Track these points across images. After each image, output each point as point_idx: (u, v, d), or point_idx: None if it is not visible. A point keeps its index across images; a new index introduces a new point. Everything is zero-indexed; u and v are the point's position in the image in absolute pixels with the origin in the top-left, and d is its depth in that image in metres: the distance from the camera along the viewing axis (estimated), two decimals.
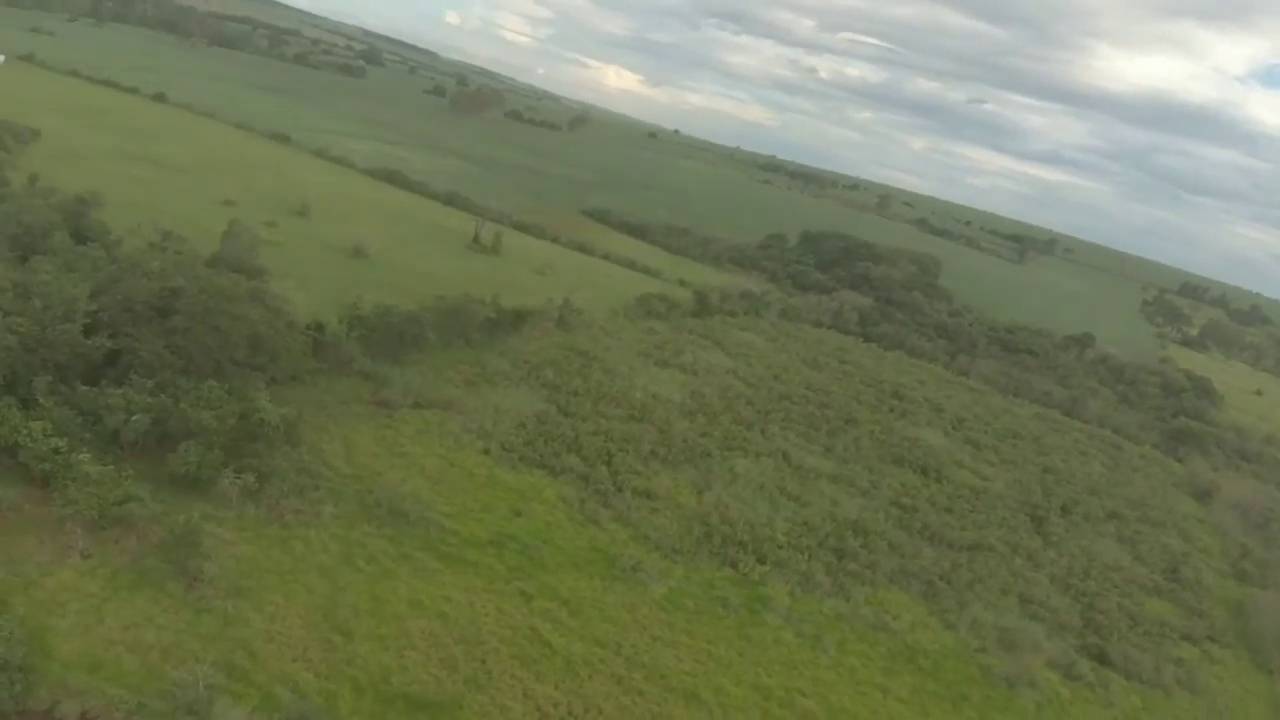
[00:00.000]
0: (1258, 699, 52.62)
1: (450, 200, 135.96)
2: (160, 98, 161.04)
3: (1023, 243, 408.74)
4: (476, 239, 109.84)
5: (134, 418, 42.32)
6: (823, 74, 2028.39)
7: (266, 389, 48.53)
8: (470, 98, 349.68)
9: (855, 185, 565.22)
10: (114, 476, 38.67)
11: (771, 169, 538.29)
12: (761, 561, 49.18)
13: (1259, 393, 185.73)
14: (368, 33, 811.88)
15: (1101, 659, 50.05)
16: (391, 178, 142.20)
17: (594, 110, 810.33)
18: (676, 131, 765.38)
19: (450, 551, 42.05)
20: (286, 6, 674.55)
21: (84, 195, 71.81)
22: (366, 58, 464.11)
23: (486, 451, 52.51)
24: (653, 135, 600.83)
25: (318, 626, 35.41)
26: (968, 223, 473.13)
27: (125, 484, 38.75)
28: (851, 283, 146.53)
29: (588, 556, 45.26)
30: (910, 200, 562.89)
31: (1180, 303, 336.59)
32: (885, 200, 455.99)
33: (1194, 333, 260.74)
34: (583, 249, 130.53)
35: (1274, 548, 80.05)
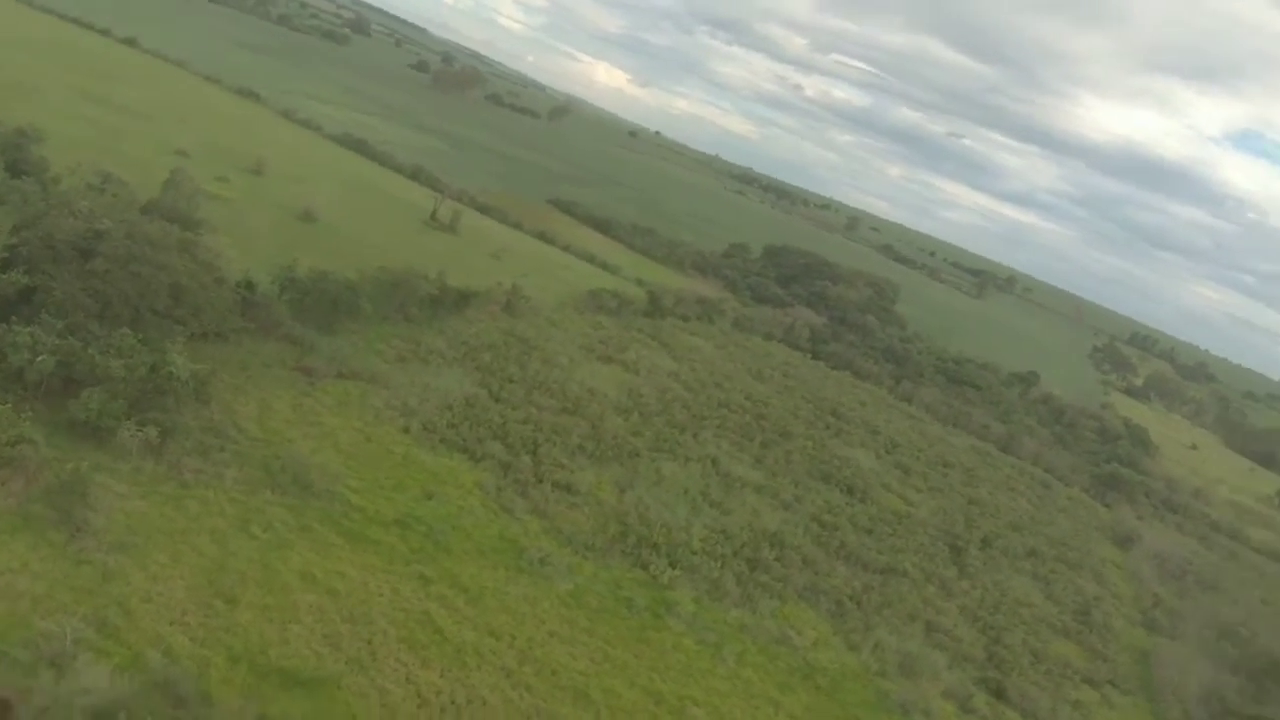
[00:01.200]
0: None
1: (414, 175, 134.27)
2: (131, 41, 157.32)
3: (982, 277, 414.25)
4: (434, 216, 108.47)
5: (39, 359, 40.86)
6: (809, 92, 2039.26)
7: (186, 343, 47.13)
8: (452, 76, 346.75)
9: (827, 205, 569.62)
10: (10, 416, 37.31)
11: (747, 180, 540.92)
12: (673, 565, 48.68)
13: (1194, 447, 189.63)
14: (359, 1, 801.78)
15: (999, 694, 50.11)
16: (358, 146, 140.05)
17: (579, 103, 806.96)
18: (658, 133, 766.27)
19: (353, 528, 41.08)
20: None
21: (25, 129, 69.61)
22: (353, 26, 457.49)
23: (406, 430, 51.51)
24: (633, 134, 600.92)
25: (201, 590, 34.33)
26: (932, 253, 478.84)
27: (21, 425, 37.44)
28: (808, 299, 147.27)
29: (496, 546, 44.51)
30: (879, 225, 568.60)
31: (1129, 351, 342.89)
32: (854, 222, 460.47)
33: (1139, 382, 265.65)
34: (544, 237, 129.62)
35: (1186, 599, 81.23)
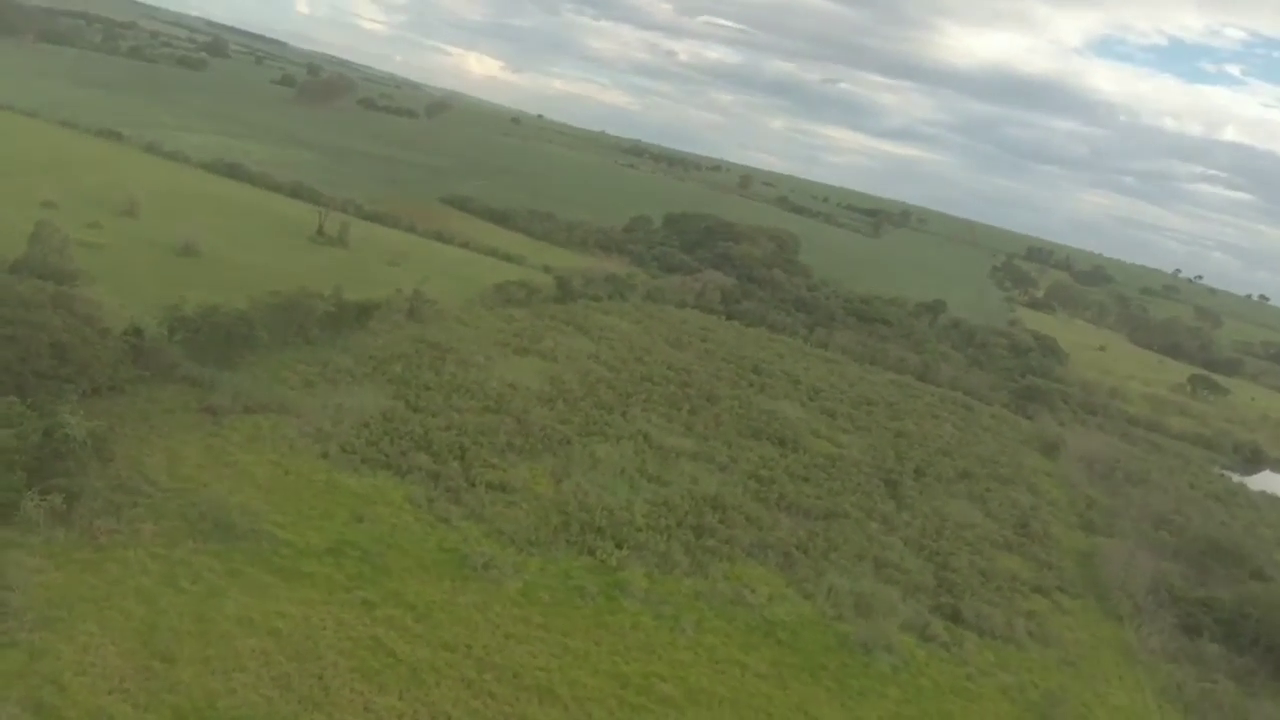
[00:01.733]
0: (1108, 645, 54.36)
1: (295, 192, 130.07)
2: None
3: (877, 216, 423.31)
4: (321, 231, 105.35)
5: None
6: (682, 57, 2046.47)
7: (79, 402, 44.74)
8: (319, 86, 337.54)
9: (718, 167, 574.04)
10: None
11: (636, 153, 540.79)
12: (620, 546, 48.27)
13: (1102, 348, 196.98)
14: (212, 24, 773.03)
15: (955, 618, 50.96)
16: (231, 171, 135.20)
17: (457, 97, 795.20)
18: (540, 116, 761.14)
19: (284, 564, 39.62)
20: None
21: None
22: (210, 49, 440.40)
23: (325, 455, 49.79)
24: (515, 120, 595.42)
25: (136, 654, 32.73)
26: (825, 199, 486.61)
27: None
28: (714, 262, 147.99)
29: (436, 558, 43.49)
30: (770, 180, 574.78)
31: (1027, 266, 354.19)
32: (746, 180, 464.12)
33: (1040, 294, 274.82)
34: (440, 238, 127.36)
35: (1118, 497, 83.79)
